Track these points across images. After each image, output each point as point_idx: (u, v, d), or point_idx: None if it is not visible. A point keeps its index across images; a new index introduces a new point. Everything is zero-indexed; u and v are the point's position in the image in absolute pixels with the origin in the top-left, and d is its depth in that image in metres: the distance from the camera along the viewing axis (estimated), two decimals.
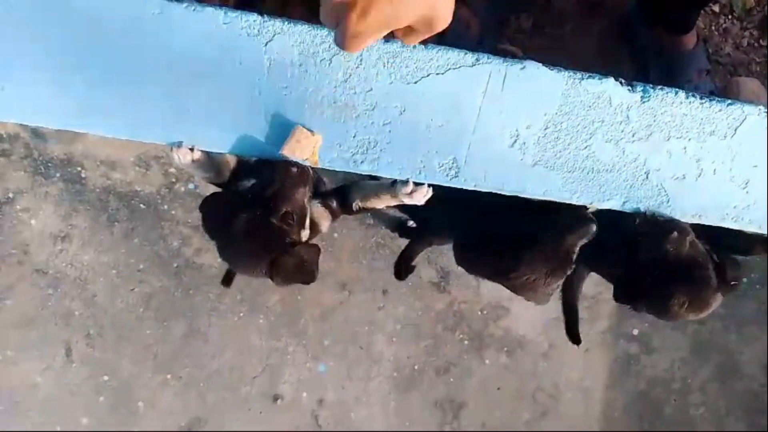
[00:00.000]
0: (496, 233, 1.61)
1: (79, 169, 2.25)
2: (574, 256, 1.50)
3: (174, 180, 2.27)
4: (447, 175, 1.38)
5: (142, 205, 2.30)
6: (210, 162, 1.43)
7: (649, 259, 1.47)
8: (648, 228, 1.46)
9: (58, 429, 2.40)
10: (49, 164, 2.23)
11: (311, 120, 1.31)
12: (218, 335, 2.41)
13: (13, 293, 2.28)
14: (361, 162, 1.35)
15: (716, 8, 2.40)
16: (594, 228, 1.48)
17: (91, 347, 2.36)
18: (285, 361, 2.45)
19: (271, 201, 1.33)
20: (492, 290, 2.43)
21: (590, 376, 2.62)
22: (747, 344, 2.68)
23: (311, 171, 1.39)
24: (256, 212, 1.33)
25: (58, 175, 2.25)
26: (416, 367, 2.53)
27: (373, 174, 1.37)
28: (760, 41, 2.48)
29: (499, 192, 1.41)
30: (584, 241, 1.49)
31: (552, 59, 2.20)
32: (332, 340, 2.44)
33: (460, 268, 2.46)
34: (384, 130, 1.34)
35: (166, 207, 2.31)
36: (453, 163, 1.38)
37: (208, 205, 1.47)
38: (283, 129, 1.31)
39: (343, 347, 2.47)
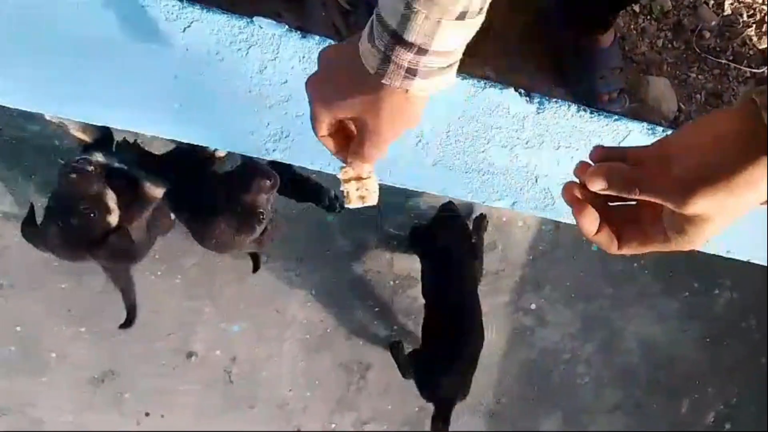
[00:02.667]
0: (195, 205, 1.79)
1: None
2: (262, 209, 1.69)
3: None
4: None
5: (60, 160, 2.28)
6: None
7: None
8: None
9: None
10: None
11: (225, 107, 1.37)
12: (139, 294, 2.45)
13: None
14: (273, 150, 1.42)
15: (636, 8, 2.54)
16: (267, 181, 1.67)
17: (3, 297, 2.36)
18: (200, 320, 2.53)
19: (68, 203, 1.59)
20: (402, 262, 2.57)
21: (487, 344, 2.81)
22: (629, 322, 2.97)
23: (95, 168, 1.65)
24: (59, 218, 1.60)
25: None
26: (328, 331, 2.66)
27: (287, 162, 1.45)
28: (674, 42, 2.66)
29: (403, 187, 1.52)
30: (265, 194, 1.68)
31: (475, 47, 2.30)
32: (247, 303, 2.54)
33: (374, 239, 2.61)
34: (297, 121, 1.41)
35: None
36: None
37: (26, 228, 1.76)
38: (196, 113, 1.36)
39: (258, 310, 2.57)
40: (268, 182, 1.65)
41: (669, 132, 1.64)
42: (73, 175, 1.59)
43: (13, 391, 2.47)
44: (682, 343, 3.06)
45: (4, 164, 2.25)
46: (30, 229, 1.75)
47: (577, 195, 0.71)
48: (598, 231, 0.71)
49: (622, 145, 1.60)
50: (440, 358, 2.27)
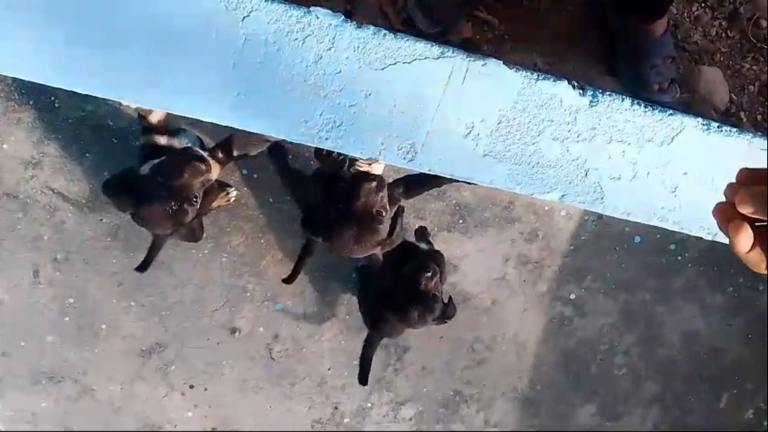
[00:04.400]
0: (323, 215, 1.89)
1: (52, 98, 2.28)
2: (378, 209, 1.77)
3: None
4: (404, 158, 1.50)
5: (113, 139, 2.35)
6: None
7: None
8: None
9: (23, 344, 2.54)
10: (23, 91, 2.25)
11: (281, 96, 1.39)
12: (181, 269, 2.53)
13: None
14: (326, 139, 1.45)
15: None
16: (372, 182, 1.74)
17: (58, 271, 2.47)
18: (244, 298, 2.60)
19: (183, 191, 1.76)
20: (442, 249, 2.58)
21: (525, 332, 2.85)
22: (671, 315, 2.93)
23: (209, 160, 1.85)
24: (172, 201, 1.76)
25: (31, 102, 2.28)
26: None
27: (337, 150, 1.47)
28: (728, 32, 2.58)
29: (450, 177, 1.54)
30: (374, 195, 1.75)
31: (525, 32, 2.28)
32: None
33: (416, 224, 2.63)
34: (349, 111, 1.43)
35: (136, 143, 2.37)
36: (411, 148, 1.49)
37: (113, 191, 1.88)
38: (253, 101, 1.39)
39: (301, 289, 2.63)
40: (372, 183, 1.71)
41: (725, 128, 1.61)
42: (202, 166, 1.78)
43: (68, 360, 2.59)
44: (725, 338, 3.01)
45: (61, 143, 2.33)
46: (119, 195, 1.88)
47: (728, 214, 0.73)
48: (750, 249, 0.72)
49: (675, 140, 1.58)
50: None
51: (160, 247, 2.20)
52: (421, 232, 2.55)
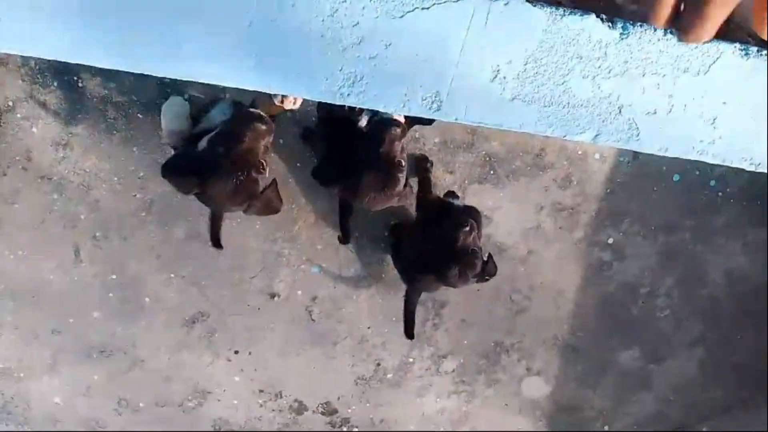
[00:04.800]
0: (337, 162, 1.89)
1: (75, 78, 2.29)
2: (399, 158, 1.77)
3: (169, 90, 2.32)
4: (430, 108, 1.46)
5: (139, 115, 2.36)
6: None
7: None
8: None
9: (71, 320, 2.62)
10: (46, 73, 2.26)
11: (299, 54, 1.37)
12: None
13: (20, 198, 2.40)
14: (348, 95, 1.42)
15: None
16: (397, 129, 1.72)
17: (98, 248, 2.52)
18: (280, 263, 2.63)
19: (248, 157, 1.59)
20: (474, 201, 2.55)
21: (563, 280, 2.82)
22: (713, 254, 2.86)
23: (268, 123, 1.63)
24: (237, 171, 1.59)
25: (55, 83, 2.29)
26: None
27: (360, 106, 1.45)
28: None
29: (478, 125, 1.50)
30: (398, 142, 1.75)
31: None
32: (324, 245, 2.60)
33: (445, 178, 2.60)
34: (370, 64, 1.40)
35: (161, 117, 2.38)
36: (436, 97, 1.45)
37: (173, 170, 1.73)
38: (272, 61, 1.37)
39: (335, 250, 2.63)
40: (398, 129, 1.68)
41: (764, 52, 1.52)
42: (263, 127, 1.61)
43: (115, 333, 2.67)
44: None
45: (88, 122, 2.35)
46: (180, 176, 1.75)
47: None
48: None
49: (712, 68, 1.50)
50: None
51: (220, 219, 2.11)
52: (452, 193, 2.52)
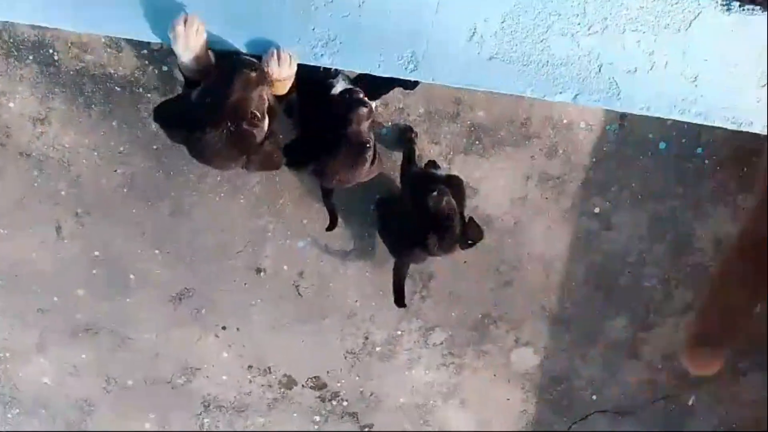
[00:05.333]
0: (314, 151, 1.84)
1: (51, 51, 2.25)
2: (366, 138, 1.74)
3: (147, 62, 2.28)
4: (406, 68, 1.44)
5: (117, 88, 2.32)
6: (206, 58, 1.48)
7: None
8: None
9: (56, 299, 2.60)
10: (21, 47, 2.22)
11: (270, 13, 1.33)
12: (201, 214, 2.54)
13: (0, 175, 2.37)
14: (322, 55, 1.39)
15: None
16: (364, 109, 1.67)
17: (80, 225, 2.49)
18: (266, 238, 2.61)
19: (238, 108, 1.43)
20: (461, 172, 2.53)
21: (551, 250, 2.81)
22: (701, 222, 2.85)
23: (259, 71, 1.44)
24: (227, 123, 1.44)
25: (31, 57, 2.25)
26: None
27: (335, 67, 1.42)
28: None
29: (456, 86, 1.47)
30: (366, 121, 1.70)
31: None
32: (309, 220, 2.58)
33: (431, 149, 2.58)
34: (343, 23, 1.37)
35: (140, 90, 2.34)
36: (412, 57, 1.43)
37: (163, 116, 1.59)
38: (242, 21, 1.34)
39: (321, 225, 2.61)
40: (365, 110, 1.65)
41: (747, 7, 1.50)
42: (253, 74, 1.41)
43: (101, 311, 2.65)
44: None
45: (65, 96, 2.31)
46: (169, 125, 1.62)
47: None
48: None
49: (693, 24, 1.48)
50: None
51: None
52: (433, 163, 2.50)
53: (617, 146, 2.68)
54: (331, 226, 2.42)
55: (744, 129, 1.58)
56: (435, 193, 1.98)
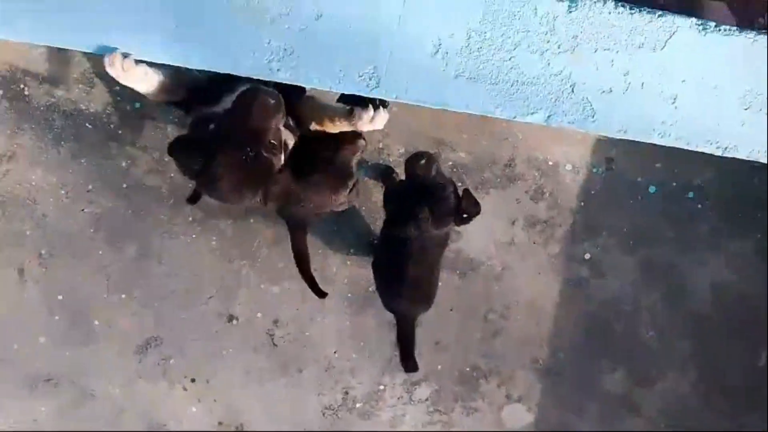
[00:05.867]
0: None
1: (21, 86, 2.21)
2: (352, 169, 1.69)
3: (119, 98, 2.24)
4: (367, 85, 1.37)
5: (87, 125, 2.27)
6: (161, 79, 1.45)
7: None
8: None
9: (16, 347, 2.45)
10: None
11: (222, 25, 1.28)
12: (171, 256, 2.43)
13: None
14: (278, 70, 1.33)
15: None
16: (270, 100, 1.48)
17: (43, 267, 2.38)
18: (239, 282, 2.49)
19: (256, 135, 1.39)
20: None
21: (541, 298, 2.68)
22: (697, 267, 2.73)
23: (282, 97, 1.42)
24: (246, 150, 1.39)
25: (0, 92, 2.20)
26: (370, 289, 2.56)
27: (293, 83, 1.35)
28: None
29: (421, 105, 1.40)
30: (357, 155, 1.67)
31: None
32: (285, 263, 2.46)
33: None
34: (300, 36, 1.31)
35: (112, 126, 2.29)
36: (374, 73, 1.36)
37: (179, 150, 1.52)
38: (191, 32, 1.28)
39: (297, 270, 2.50)
40: (270, 101, 1.53)
41: (723, 27, 1.44)
42: (271, 101, 1.38)
43: (62, 361, 2.49)
44: (760, 286, 2.79)
45: (34, 132, 2.25)
46: (189, 161, 1.54)
47: None
48: None
49: (669, 43, 1.42)
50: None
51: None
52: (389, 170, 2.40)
53: (605, 189, 2.60)
54: (321, 294, 2.26)
55: (728, 155, 1.50)
56: (423, 161, 1.78)
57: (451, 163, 2.46)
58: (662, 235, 2.68)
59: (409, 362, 2.27)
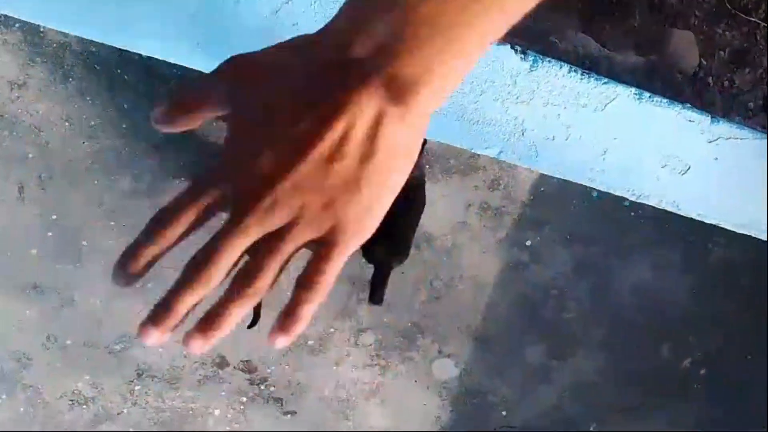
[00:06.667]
0: None
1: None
2: None
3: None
4: None
5: (96, 66, 2.45)
6: None
7: None
8: None
9: (9, 254, 2.72)
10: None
11: (239, 49, 1.50)
12: (159, 194, 2.68)
13: None
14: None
15: None
16: None
17: (42, 188, 2.62)
18: (220, 215, 2.76)
19: None
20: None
21: (483, 274, 3.03)
22: (623, 269, 3.12)
23: None
24: None
25: (17, 24, 2.36)
26: None
27: None
28: None
29: None
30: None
31: None
32: None
33: None
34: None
35: (119, 71, 2.48)
36: None
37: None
38: (213, 51, 1.50)
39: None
40: None
41: (656, 98, 1.72)
42: None
43: (50, 271, 2.77)
44: (673, 292, 3.20)
45: (46, 66, 2.43)
46: None
47: None
48: None
49: (608, 107, 1.70)
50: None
51: None
52: None
53: (555, 189, 2.91)
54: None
55: (641, 201, 1.81)
56: None
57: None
58: (598, 236, 3.04)
59: (375, 296, 2.51)
